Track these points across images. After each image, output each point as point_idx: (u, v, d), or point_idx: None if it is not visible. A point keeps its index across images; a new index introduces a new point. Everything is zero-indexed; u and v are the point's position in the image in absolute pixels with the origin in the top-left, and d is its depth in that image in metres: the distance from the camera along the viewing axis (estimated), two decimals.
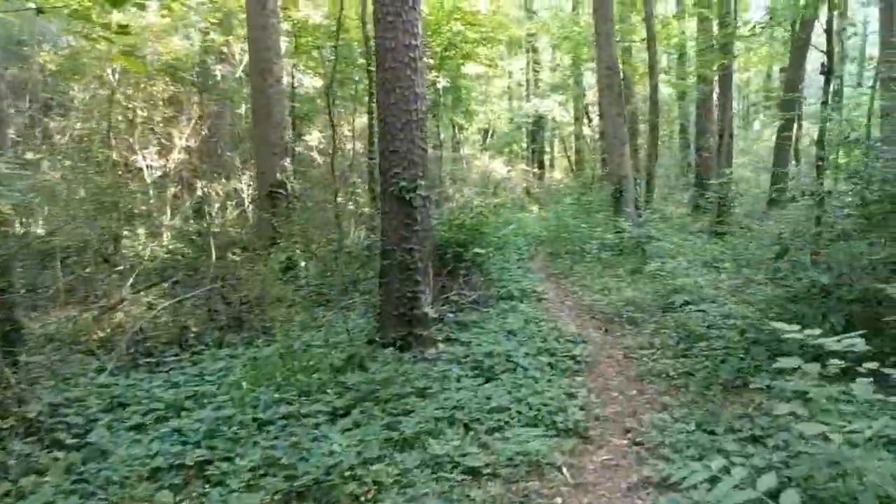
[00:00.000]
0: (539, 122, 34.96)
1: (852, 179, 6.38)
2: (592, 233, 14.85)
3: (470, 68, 20.24)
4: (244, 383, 5.99)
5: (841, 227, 6.50)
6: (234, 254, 10.84)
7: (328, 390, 5.51)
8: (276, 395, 5.38)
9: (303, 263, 11.91)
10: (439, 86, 19.02)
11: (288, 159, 11.65)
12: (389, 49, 6.68)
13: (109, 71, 13.48)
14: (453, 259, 10.01)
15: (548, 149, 39.70)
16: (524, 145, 37.97)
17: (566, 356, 6.93)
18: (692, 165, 24.93)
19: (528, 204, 30.56)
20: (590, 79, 31.08)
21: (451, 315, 8.13)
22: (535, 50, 33.68)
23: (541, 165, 36.92)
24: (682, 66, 23.72)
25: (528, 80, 34.28)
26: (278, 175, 11.44)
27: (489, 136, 34.91)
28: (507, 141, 36.29)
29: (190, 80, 16.52)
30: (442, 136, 27.37)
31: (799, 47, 18.16)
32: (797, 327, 3.49)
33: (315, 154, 17.99)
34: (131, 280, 10.67)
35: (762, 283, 9.35)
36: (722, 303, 7.90)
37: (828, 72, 8.15)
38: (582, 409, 5.44)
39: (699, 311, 7.81)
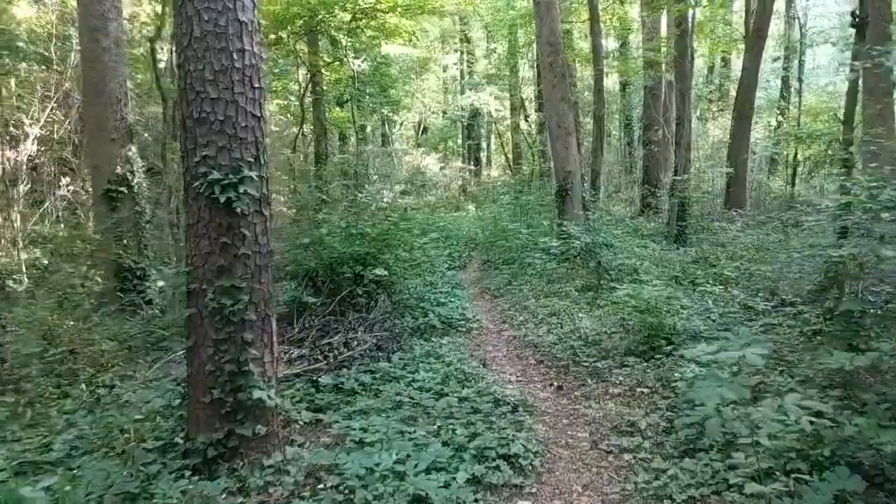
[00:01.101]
0: (475, 117, 32.39)
1: None
2: (534, 238, 12.20)
3: (393, 50, 17.36)
4: None
5: None
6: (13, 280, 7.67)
7: None
8: None
9: (160, 284, 8.85)
10: (356, 67, 16.08)
11: (132, 147, 8.53)
12: None
13: None
14: (352, 281, 7.16)
15: (484, 145, 37.22)
16: (459, 141, 35.36)
17: (502, 456, 4.15)
18: (638, 162, 22.74)
19: (464, 203, 27.93)
20: (527, 72, 28.69)
21: (325, 379, 5.24)
22: (468, 40, 31.02)
23: (477, 162, 34.37)
24: (626, 52, 21.38)
25: (461, 72, 31.61)
26: (119, 168, 8.33)
27: (420, 130, 32.12)
28: (442, 137, 33.58)
29: (42, 56, 13.12)
30: (368, 128, 24.45)
31: (758, 28, 16.02)
32: None
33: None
34: None
35: (765, 312, 6.84)
36: (729, 349, 5.28)
37: (861, 21, 5.62)
38: None
39: (699, 364, 5.14)
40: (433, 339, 7.32)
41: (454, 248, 15.46)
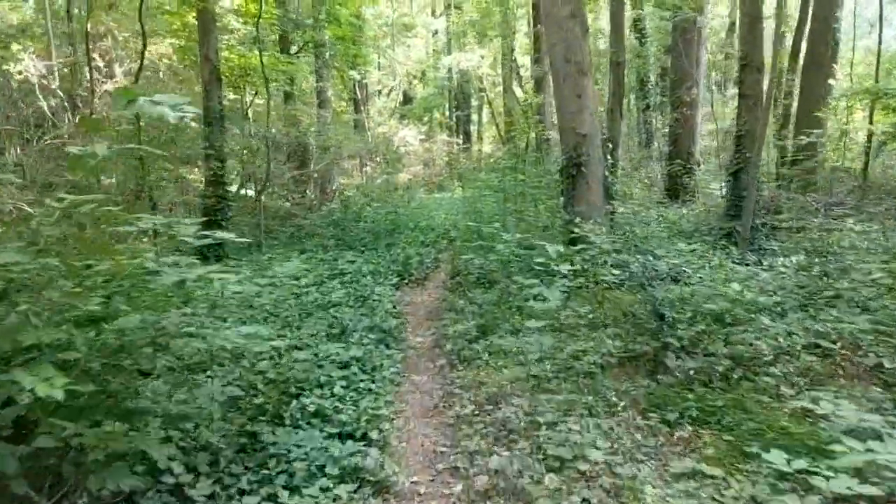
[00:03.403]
0: (464, 85, 26.87)
1: None
2: (525, 250, 6.91)
3: None
4: None
5: None
6: None
7: None
8: None
9: None
10: None
11: None
12: None
13: None
14: None
15: (475, 118, 31.68)
16: (447, 113, 29.85)
17: None
18: (657, 131, 17.35)
19: (449, 182, 22.61)
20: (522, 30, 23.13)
21: None
22: None
23: (466, 136, 28.89)
24: None
25: (448, 27, 26.05)
26: None
27: (398, 98, 26.70)
28: (426, 106, 28.03)
29: None
30: (329, 91, 19.00)
31: None
32: None
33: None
34: None
35: None
36: None
37: None
38: None
39: None
40: None
41: (418, 248, 10.23)
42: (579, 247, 5.76)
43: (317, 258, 9.59)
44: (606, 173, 7.66)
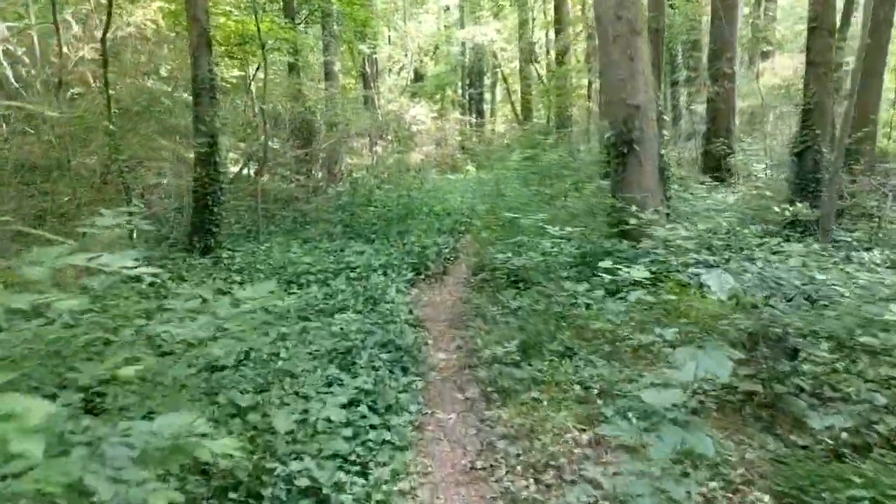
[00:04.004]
0: (477, 62, 25.42)
1: None
2: (569, 246, 5.65)
3: None
4: None
5: None
6: None
7: None
8: None
9: None
10: None
11: None
12: None
13: None
14: None
15: (488, 97, 30.16)
16: (459, 91, 28.40)
17: None
18: (684, 109, 15.95)
19: (462, 162, 21.29)
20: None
21: None
22: None
23: (479, 114, 27.44)
24: None
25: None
26: None
27: (410, 76, 25.27)
28: (439, 84, 26.55)
29: None
30: (337, 65, 17.65)
31: None
32: None
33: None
34: None
35: None
36: None
37: None
38: None
39: None
40: None
41: (434, 236, 8.99)
42: (647, 245, 4.51)
43: (321, 248, 8.37)
44: (662, 152, 6.37)
